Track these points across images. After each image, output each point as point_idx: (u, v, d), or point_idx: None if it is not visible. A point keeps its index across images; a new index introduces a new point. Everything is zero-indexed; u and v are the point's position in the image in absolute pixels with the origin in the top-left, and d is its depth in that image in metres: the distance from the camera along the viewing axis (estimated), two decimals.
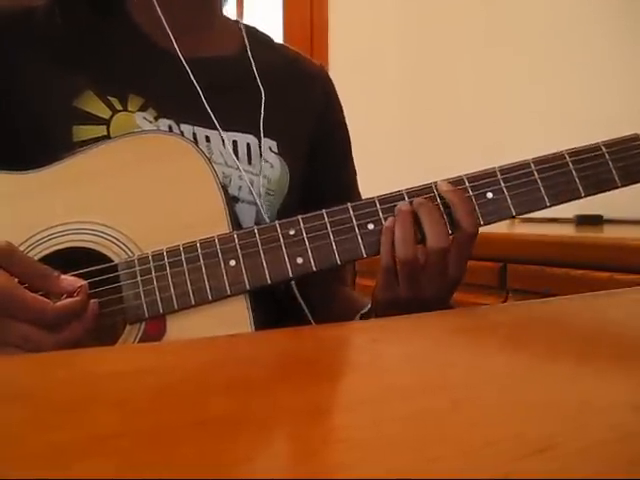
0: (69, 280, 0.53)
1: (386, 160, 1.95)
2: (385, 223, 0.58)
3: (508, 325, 0.45)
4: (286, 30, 2.29)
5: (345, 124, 0.83)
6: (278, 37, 2.23)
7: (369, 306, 0.66)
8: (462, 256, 0.58)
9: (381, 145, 1.98)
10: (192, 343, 0.45)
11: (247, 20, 0.85)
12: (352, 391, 0.29)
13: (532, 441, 0.21)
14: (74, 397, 0.27)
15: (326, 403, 0.27)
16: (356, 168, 0.84)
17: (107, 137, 0.63)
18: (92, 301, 0.53)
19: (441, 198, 0.58)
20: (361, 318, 0.66)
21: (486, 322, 0.46)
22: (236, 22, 0.79)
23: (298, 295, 0.68)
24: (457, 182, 0.59)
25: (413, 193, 0.59)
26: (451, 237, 0.58)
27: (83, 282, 0.53)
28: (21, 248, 0.56)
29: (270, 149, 0.71)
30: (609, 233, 1.24)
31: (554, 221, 1.38)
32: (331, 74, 0.84)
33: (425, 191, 0.59)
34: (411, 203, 0.58)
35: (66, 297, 0.52)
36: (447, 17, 1.94)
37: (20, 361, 0.37)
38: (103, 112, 0.64)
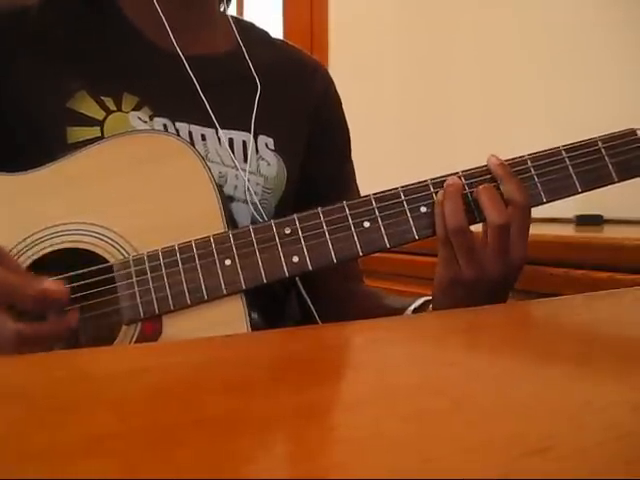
0: (50, 280, 0.52)
1: (386, 159, 1.95)
2: (437, 197, 0.58)
3: (508, 325, 0.45)
4: (286, 30, 2.29)
5: (344, 120, 0.82)
6: (278, 36, 2.22)
7: (424, 298, 0.66)
8: (522, 232, 0.58)
9: (381, 144, 1.98)
10: (190, 343, 0.45)
11: (247, 19, 0.84)
12: (352, 391, 0.29)
13: (532, 441, 0.21)
14: (72, 397, 0.27)
15: (326, 403, 0.27)
16: (355, 166, 0.83)
17: (101, 138, 0.63)
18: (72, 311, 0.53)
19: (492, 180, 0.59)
20: (414, 312, 0.65)
21: (486, 322, 0.46)
22: (229, 18, 0.79)
23: (304, 294, 0.67)
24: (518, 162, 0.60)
25: (438, 184, 0.59)
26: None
27: (62, 286, 0.53)
28: (17, 249, 0.56)
29: (267, 146, 0.70)
30: (609, 233, 1.24)
31: (554, 221, 1.38)
32: (331, 73, 0.84)
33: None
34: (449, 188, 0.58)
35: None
36: (447, 17, 1.94)
37: (18, 361, 0.37)
38: (97, 113, 0.64)
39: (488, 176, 0.59)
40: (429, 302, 0.65)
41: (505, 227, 0.56)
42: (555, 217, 1.38)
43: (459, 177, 0.59)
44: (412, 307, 0.66)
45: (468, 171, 0.60)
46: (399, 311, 0.68)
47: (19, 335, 0.49)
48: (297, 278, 0.64)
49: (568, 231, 1.26)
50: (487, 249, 0.57)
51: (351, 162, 0.83)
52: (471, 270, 0.57)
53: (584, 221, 1.37)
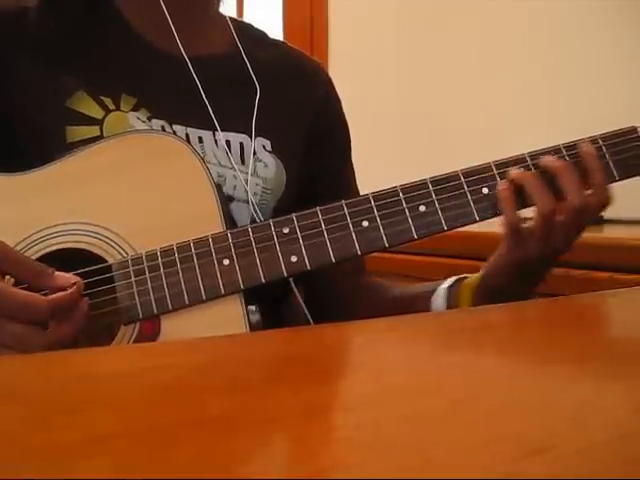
0: (64, 276, 0.52)
1: (385, 159, 1.95)
2: (500, 186, 0.59)
3: (508, 325, 0.45)
4: (285, 30, 2.29)
5: (345, 121, 0.82)
6: (278, 37, 2.22)
7: (455, 277, 0.68)
8: (595, 212, 0.61)
9: (380, 144, 1.98)
10: (189, 343, 0.45)
11: (247, 20, 0.84)
12: (351, 391, 0.29)
13: (532, 441, 0.21)
14: (71, 397, 0.27)
15: (325, 403, 0.27)
16: (354, 165, 0.83)
17: (100, 137, 0.62)
18: (84, 299, 0.53)
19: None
20: (448, 303, 0.67)
21: (486, 322, 0.46)
22: (227, 19, 0.78)
23: (298, 296, 0.67)
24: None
25: (436, 182, 0.59)
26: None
27: (78, 279, 0.53)
28: (16, 249, 0.56)
29: (264, 148, 0.70)
30: (609, 233, 1.24)
31: None
32: (331, 74, 0.84)
33: (449, 179, 0.60)
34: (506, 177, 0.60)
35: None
36: (447, 16, 1.93)
37: (17, 361, 0.37)
38: (96, 112, 0.64)
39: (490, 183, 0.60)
40: (462, 279, 0.67)
41: (583, 207, 0.58)
42: None
43: (460, 177, 0.60)
44: (444, 286, 0.68)
45: (468, 170, 0.60)
46: (421, 298, 0.69)
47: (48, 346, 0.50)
48: (291, 280, 0.63)
49: None
50: (563, 228, 0.59)
51: (351, 162, 0.83)
52: (542, 248, 0.60)
53: None
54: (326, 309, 0.78)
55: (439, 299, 0.67)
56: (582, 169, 0.59)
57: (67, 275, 0.52)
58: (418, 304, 0.70)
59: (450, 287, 0.68)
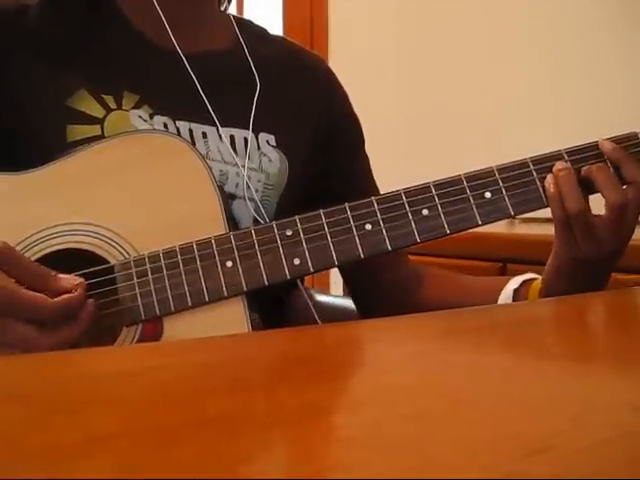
0: (67, 278, 0.52)
1: (385, 157, 1.94)
2: (547, 181, 0.59)
3: (508, 325, 0.45)
4: (286, 28, 2.29)
5: (353, 113, 0.81)
6: (277, 34, 2.21)
7: (523, 277, 0.67)
8: (637, 211, 0.60)
9: (381, 144, 1.98)
10: (191, 343, 0.45)
11: (247, 18, 0.84)
12: (352, 391, 0.29)
13: (532, 441, 0.21)
14: (72, 397, 0.27)
15: (326, 403, 0.27)
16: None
17: (101, 136, 0.62)
18: (89, 300, 0.53)
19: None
20: (515, 295, 0.67)
21: (486, 322, 0.46)
22: (228, 15, 0.78)
23: (305, 294, 0.67)
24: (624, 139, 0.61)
25: (439, 186, 0.59)
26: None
27: (81, 280, 0.53)
28: (17, 249, 0.56)
29: (268, 143, 0.70)
30: None
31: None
32: None
33: (452, 183, 0.59)
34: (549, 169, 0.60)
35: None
36: (447, 15, 1.93)
37: (18, 361, 0.37)
38: (97, 111, 0.64)
39: (592, 153, 0.61)
40: (529, 282, 0.67)
41: (625, 206, 0.58)
42: None
43: (564, 158, 0.60)
44: (511, 287, 0.68)
45: (571, 149, 0.61)
46: (489, 293, 0.69)
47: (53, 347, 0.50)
48: (298, 280, 0.63)
49: None
50: (606, 227, 0.59)
51: (365, 156, 0.82)
52: (591, 249, 0.60)
53: None
54: (370, 304, 0.79)
55: (507, 300, 0.67)
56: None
57: (70, 277, 0.53)
58: (480, 297, 0.69)
59: (517, 290, 0.67)
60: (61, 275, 0.52)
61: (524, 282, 0.68)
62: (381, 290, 0.78)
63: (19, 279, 0.51)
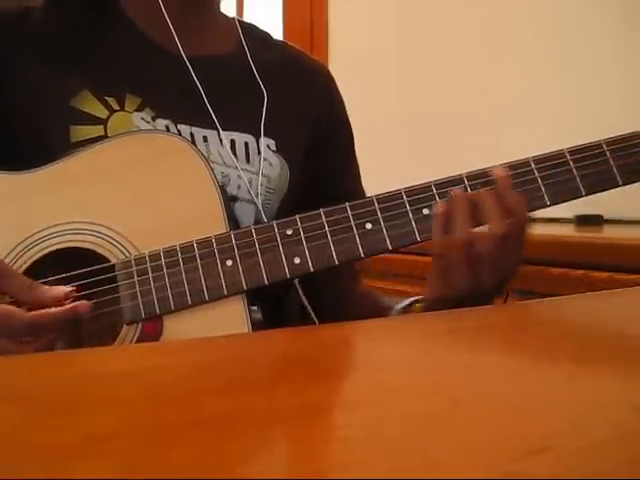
0: (53, 292, 0.52)
1: (385, 158, 1.95)
2: (436, 209, 0.57)
3: (508, 325, 0.45)
4: (286, 30, 2.29)
5: (348, 122, 0.82)
6: (278, 37, 2.22)
7: (412, 298, 0.65)
8: (520, 243, 0.57)
9: (381, 144, 1.98)
10: (191, 343, 0.45)
11: (247, 20, 0.84)
12: (352, 391, 0.29)
13: (532, 441, 0.21)
14: (72, 397, 0.27)
15: (325, 403, 0.27)
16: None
17: (104, 137, 0.63)
18: (83, 302, 0.53)
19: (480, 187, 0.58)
20: (403, 311, 0.66)
21: (486, 322, 0.46)
22: (232, 19, 0.79)
23: (302, 295, 0.67)
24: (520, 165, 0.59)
25: (440, 186, 0.59)
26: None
27: (67, 291, 0.52)
28: (18, 249, 0.56)
29: (269, 147, 0.71)
30: (609, 233, 1.24)
31: (554, 221, 1.38)
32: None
33: (453, 182, 0.59)
34: (465, 190, 0.57)
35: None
36: (447, 16, 1.93)
37: (17, 361, 0.37)
38: (100, 112, 0.64)
39: (490, 178, 0.58)
40: (417, 302, 0.65)
41: (505, 237, 0.56)
42: (555, 217, 1.38)
43: (463, 180, 0.58)
44: (400, 306, 0.66)
45: (472, 173, 0.59)
46: (387, 310, 0.68)
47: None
48: (296, 280, 0.63)
49: (568, 231, 1.26)
50: (485, 258, 0.56)
51: (355, 163, 0.83)
52: (468, 280, 0.57)
53: (584, 221, 1.37)
54: (320, 308, 0.78)
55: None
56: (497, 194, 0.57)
57: (56, 290, 0.52)
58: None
59: (404, 308, 0.66)
60: (48, 287, 0.52)
61: (411, 303, 0.66)
62: (323, 296, 0.77)
63: (8, 292, 0.51)
